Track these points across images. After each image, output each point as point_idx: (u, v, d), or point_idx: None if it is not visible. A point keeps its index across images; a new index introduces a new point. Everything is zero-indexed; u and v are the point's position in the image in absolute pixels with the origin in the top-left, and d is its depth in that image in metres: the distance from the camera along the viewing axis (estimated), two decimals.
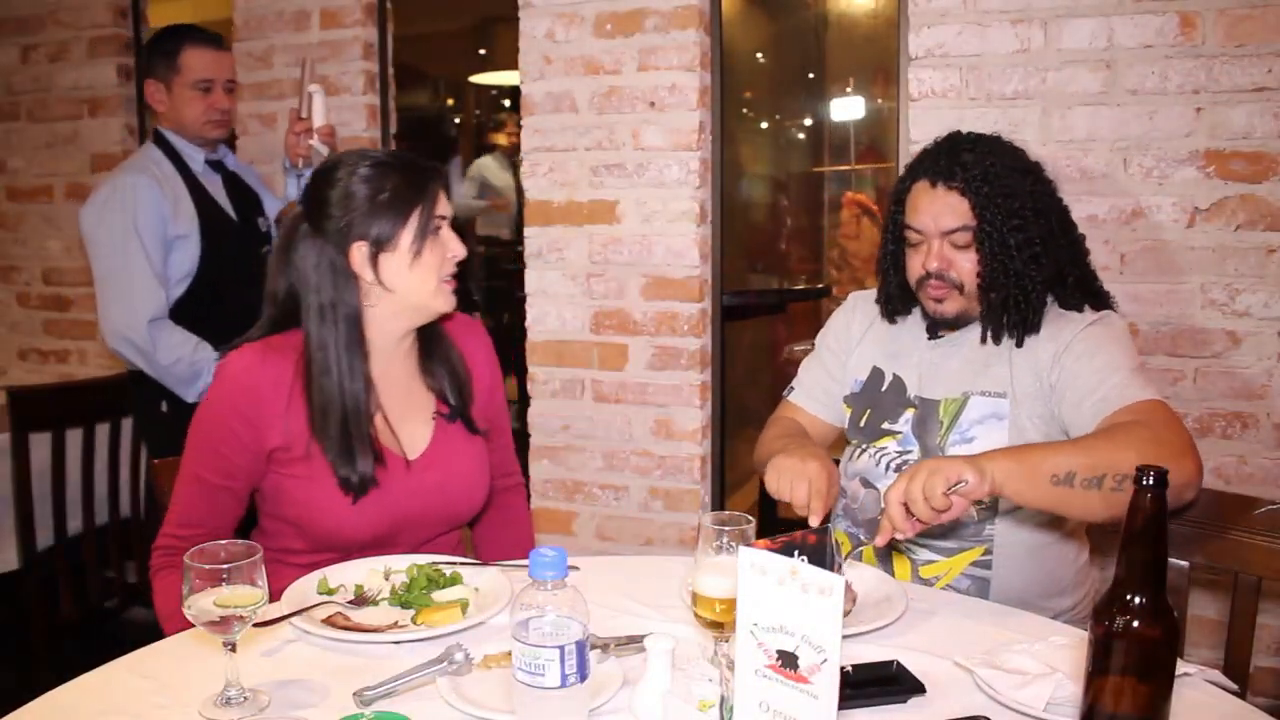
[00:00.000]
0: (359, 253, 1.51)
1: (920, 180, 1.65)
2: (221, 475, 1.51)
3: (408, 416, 1.62)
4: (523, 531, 1.87)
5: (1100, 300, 1.69)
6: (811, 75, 3.78)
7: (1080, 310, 1.64)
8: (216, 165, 2.56)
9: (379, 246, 1.51)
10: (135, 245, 2.33)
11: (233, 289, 2.42)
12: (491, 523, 1.83)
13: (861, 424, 1.76)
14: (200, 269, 2.43)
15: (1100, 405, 1.50)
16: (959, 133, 1.70)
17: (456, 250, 1.57)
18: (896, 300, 1.76)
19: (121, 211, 2.34)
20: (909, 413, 1.70)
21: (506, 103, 5.78)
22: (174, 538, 1.52)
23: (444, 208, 1.56)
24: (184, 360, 2.33)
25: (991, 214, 1.58)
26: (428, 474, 1.60)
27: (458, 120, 6.23)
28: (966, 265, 1.62)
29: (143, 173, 2.39)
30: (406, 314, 1.58)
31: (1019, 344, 1.63)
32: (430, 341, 1.65)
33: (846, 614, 1.36)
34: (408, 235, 1.52)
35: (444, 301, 1.58)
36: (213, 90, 2.45)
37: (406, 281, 1.53)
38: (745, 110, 3.52)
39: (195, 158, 2.50)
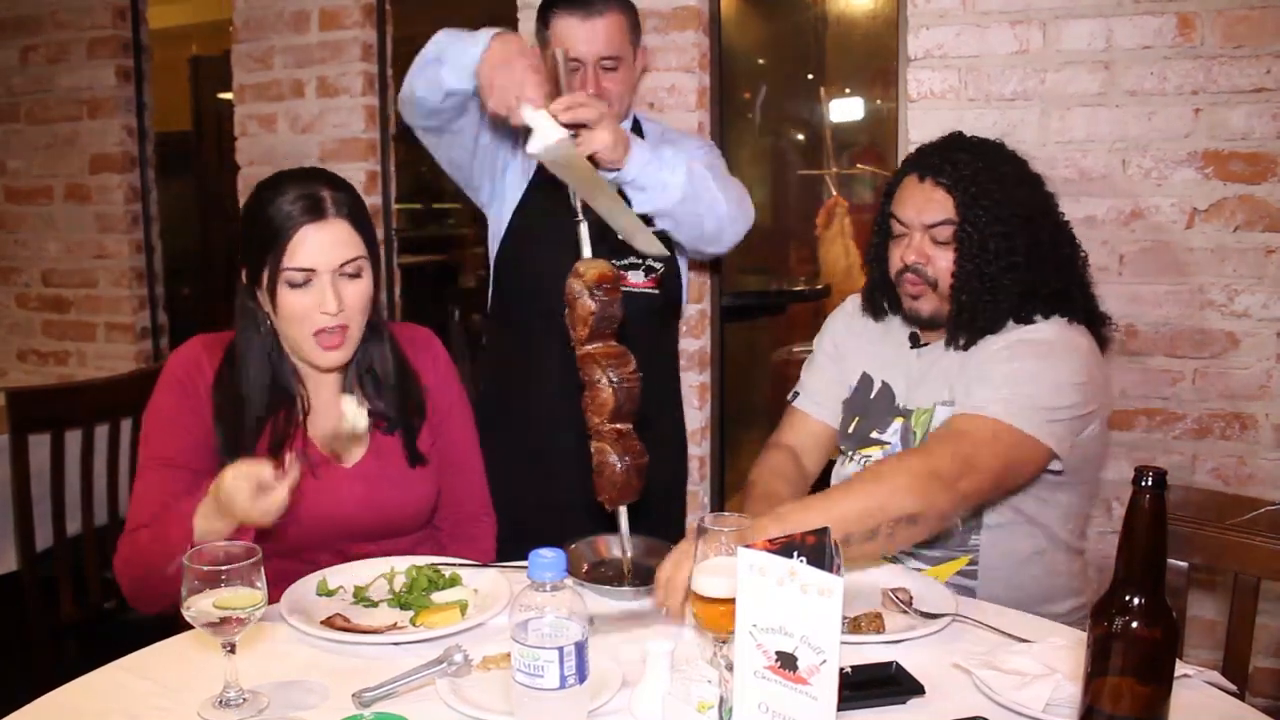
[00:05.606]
0: (244, 275, 1.51)
1: (911, 174, 1.65)
2: (182, 452, 1.49)
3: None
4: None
5: (1087, 316, 1.65)
6: (811, 76, 3.78)
7: (1032, 320, 1.61)
8: None
9: (251, 278, 1.50)
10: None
11: (543, 279, 1.93)
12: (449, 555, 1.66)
13: (850, 430, 1.76)
14: (507, 235, 2.04)
15: (949, 411, 1.53)
16: (959, 133, 1.70)
17: (325, 306, 1.46)
18: (879, 295, 1.76)
19: None
20: (898, 422, 1.69)
21: None
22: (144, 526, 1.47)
23: (310, 258, 1.45)
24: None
25: (975, 215, 1.58)
26: (363, 483, 1.57)
27: None
28: (944, 263, 1.61)
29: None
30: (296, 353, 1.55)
31: (968, 344, 1.61)
32: (372, 352, 1.60)
33: (904, 613, 1.36)
34: (266, 278, 1.47)
35: (317, 356, 1.51)
36: (581, 70, 1.88)
37: (279, 323, 1.51)
38: (747, 113, 3.52)
39: None
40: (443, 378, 1.71)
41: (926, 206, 1.61)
